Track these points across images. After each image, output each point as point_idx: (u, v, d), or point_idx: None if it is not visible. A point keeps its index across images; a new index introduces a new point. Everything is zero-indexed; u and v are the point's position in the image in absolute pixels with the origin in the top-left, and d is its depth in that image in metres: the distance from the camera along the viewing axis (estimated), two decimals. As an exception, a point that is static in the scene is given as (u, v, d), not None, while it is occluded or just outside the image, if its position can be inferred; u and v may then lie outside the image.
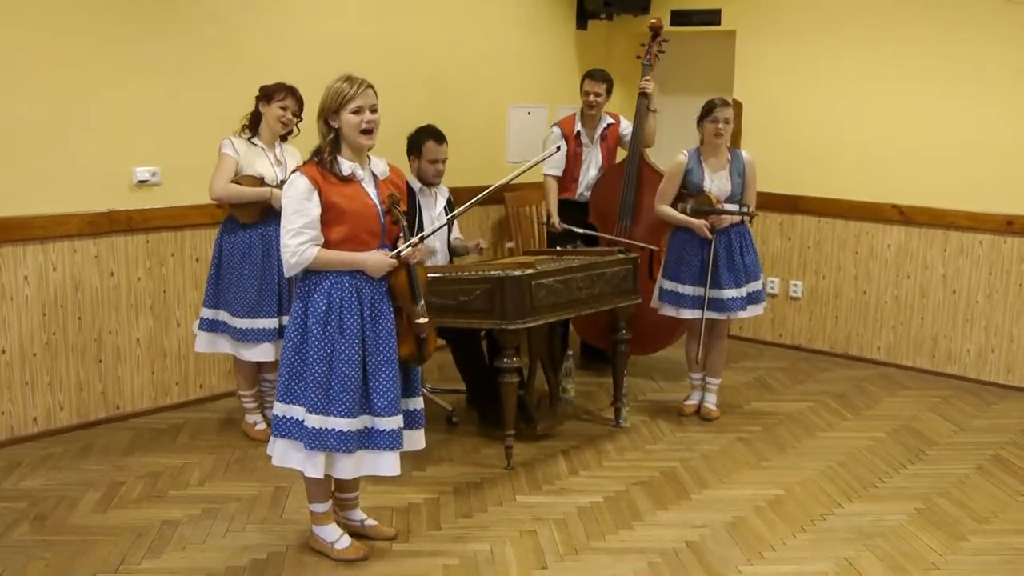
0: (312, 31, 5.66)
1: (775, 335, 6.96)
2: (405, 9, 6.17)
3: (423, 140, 5.15)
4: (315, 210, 3.39)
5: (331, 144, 3.45)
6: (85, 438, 4.93)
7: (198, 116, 5.19)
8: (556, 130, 6.13)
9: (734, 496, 4.40)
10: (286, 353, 3.51)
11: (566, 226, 5.85)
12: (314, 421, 3.45)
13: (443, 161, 5.18)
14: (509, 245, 5.18)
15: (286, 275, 3.51)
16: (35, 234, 4.75)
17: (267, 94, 4.68)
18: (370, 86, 3.46)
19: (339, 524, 3.84)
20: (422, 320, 3.56)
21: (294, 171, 3.46)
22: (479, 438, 5.04)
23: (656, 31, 6.05)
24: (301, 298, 3.50)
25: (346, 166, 3.47)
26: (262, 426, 4.96)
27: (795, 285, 6.79)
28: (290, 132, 4.77)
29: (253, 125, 4.72)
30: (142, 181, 5.06)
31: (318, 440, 3.46)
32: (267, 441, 4.80)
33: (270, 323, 4.69)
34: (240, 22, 5.35)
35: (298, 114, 4.71)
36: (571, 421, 5.32)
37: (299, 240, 3.39)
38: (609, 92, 6.04)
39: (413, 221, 5.05)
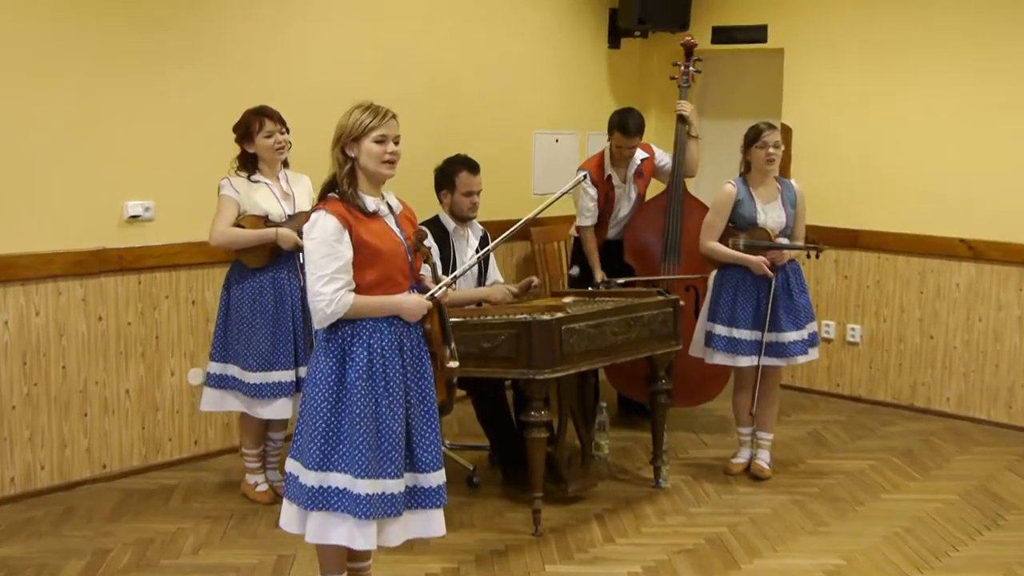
0: (318, 56, 5.72)
1: (831, 384, 6.91)
2: (417, 25, 6.22)
3: (456, 171, 5.17)
4: (348, 252, 3.40)
5: (348, 175, 3.48)
6: (68, 500, 4.92)
7: (195, 147, 5.24)
8: (583, 176, 6.09)
9: (789, 566, 4.35)
10: (316, 415, 3.46)
11: (609, 280, 5.82)
12: (365, 487, 3.42)
13: (478, 193, 5.22)
14: (534, 283, 5.18)
15: (317, 326, 3.48)
16: (17, 275, 4.78)
17: (244, 133, 4.69)
18: (394, 116, 3.50)
19: (351, 598, 3.84)
20: (453, 364, 3.59)
21: (316, 209, 3.46)
22: (503, 500, 5.01)
23: (689, 49, 6.10)
24: (332, 353, 3.47)
25: (370, 201, 3.50)
26: (264, 487, 4.94)
27: (853, 329, 6.76)
28: (287, 151, 4.79)
29: (247, 165, 4.74)
30: (134, 216, 5.10)
31: (372, 507, 3.42)
32: (269, 504, 4.81)
33: (286, 376, 4.69)
34: (240, 49, 5.41)
35: (284, 130, 4.73)
36: (605, 481, 5.28)
37: (335, 286, 3.38)
38: (641, 137, 6.02)
39: (448, 264, 5.09)
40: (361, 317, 3.45)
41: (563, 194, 4.34)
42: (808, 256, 5.16)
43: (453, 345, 3.62)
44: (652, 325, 4.93)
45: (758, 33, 7.02)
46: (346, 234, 3.40)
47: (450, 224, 5.21)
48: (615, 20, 7.31)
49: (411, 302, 3.50)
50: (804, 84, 6.84)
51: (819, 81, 6.78)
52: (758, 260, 5.07)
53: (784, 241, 5.14)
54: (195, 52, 5.25)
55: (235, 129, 4.71)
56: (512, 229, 4.04)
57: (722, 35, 7.15)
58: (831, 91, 6.73)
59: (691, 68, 6.08)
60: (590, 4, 7.26)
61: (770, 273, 5.07)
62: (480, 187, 5.22)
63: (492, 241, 5.29)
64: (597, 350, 4.67)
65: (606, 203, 6.08)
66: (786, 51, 6.92)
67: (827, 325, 6.83)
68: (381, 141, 3.44)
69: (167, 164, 5.18)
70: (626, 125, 5.92)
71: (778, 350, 5.14)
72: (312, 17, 5.71)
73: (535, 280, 5.22)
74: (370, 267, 3.44)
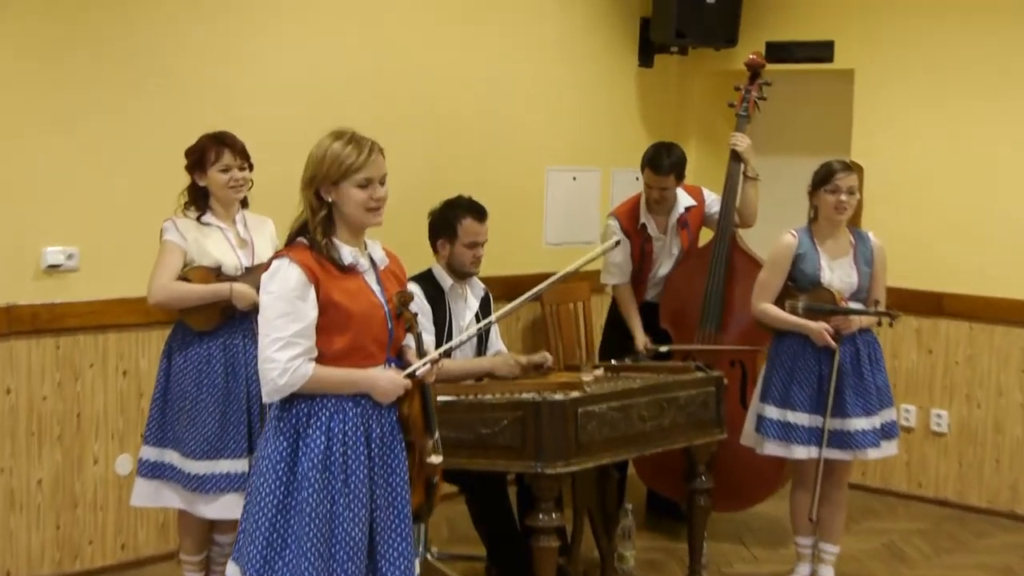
0: (285, 75, 5.75)
1: (911, 485, 6.87)
2: (404, 40, 6.25)
3: (459, 217, 5.17)
4: (311, 312, 3.39)
5: (323, 223, 3.47)
6: (-37, 617, 4.92)
7: (132, 181, 5.25)
8: (613, 223, 6.17)
9: None
10: (260, 510, 3.44)
11: (662, 348, 5.83)
12: None
13: (483, 244, 5.23)
14: (548, 363, 5.19)
15: (266, 399, 3.47)
16: (-97, 338, 4.82)
17: (197, 161, 4.69)
18: (380, 150, 3.50)
19: None
20: (436, 459, 3.58)
21: (278, 256, 3.46)
22: (503, 625, 4.98)
23: (755, 70, 6.13)
24: (284, 433, 3.45)
25: (346, 252, 3.49)
26: (207, 604, 4.93)
27: (938, 416, 6.75)
28: (246, 191, 4.82)
29: (198, 202, 4.74)
30: (53, 266, 5.09)
31: None
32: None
33: (236, 466, 4.64)
34: (193, 63, 5.43)
35: (245, 166, 4.74)
36: (630, 602, 5.30)
37: (291, 353, 3.36)
38: (680, 177, 6.06)
39: (443, 330, 5.09)
40: (322, 393, 3.44)
41: (590, 259, 4.37)
42: (879, 324, 5.17)
43: (438, 435, 3.60)
44: (690, 408, 4.91)
45: (823, 51, 7.07)
46: (312, 290, 3.39)
47: (446, 281, 5.20)
48: (647, 33, 7.35)
49: (385, 379, 3.48)
50: (879, 113, 6.87)
51: (897, 110, 6.81)
52: (819, 327, 5.06)
53: (856, 306, 5.16)
54: (135, 65, 5.25)
55: (187, 154, 4.71)
56: (521, 300, 4.07)
57: (779, 52, 7.15)
58: (912, 122, 6.76)
59: (754, 94, 6.11)
60: (617, 13, 7.33)
61: (833, 344, 5.04)
62: (486, 237, 5.22)
63: (494, 303, 5.32)
64: (622, 439, 4.64)
65: (642, 258, 6.11)
66: (857, 73, 6.94)
67: (906, 410, 6.80)
68: (366, 185, 3.44)
69: (96, 202, 5.17)
70: (658, 162, 5.96)
71: (843, 440, 5.11)
72: (277, 29, 5.74)
73: (548, 359, 5.20)
74: (338, 333, 3.43)
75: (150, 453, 4.74)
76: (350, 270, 3.48)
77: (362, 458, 3.44)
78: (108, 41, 5.19)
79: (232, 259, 4.70)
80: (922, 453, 6.82)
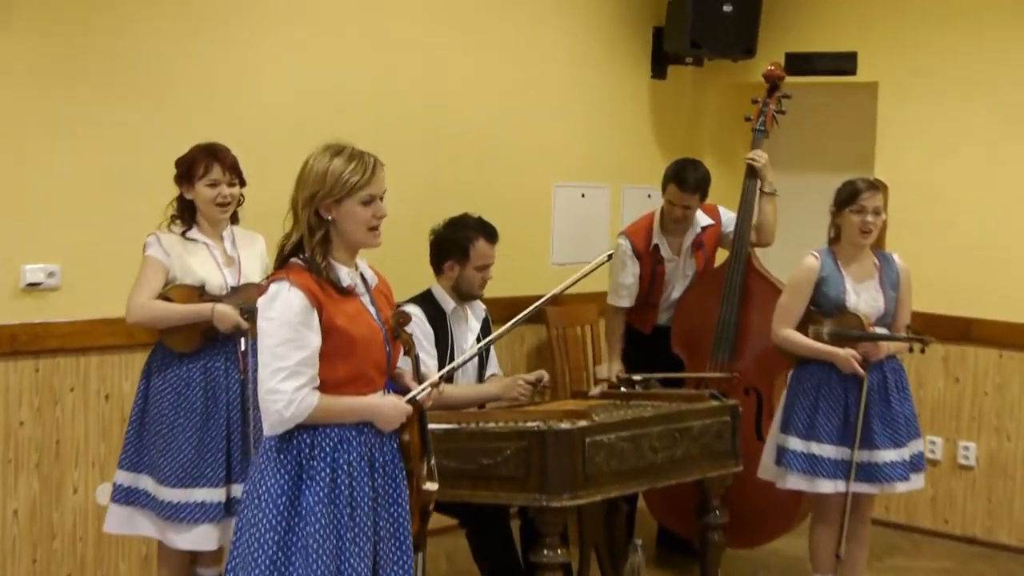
0: (280, 81, 5.73)
1: (937, 521, 6.82)
2: (402, 47, 6.22)
3: (470, 239, 5.17)
4: (315, 339, 3.37)
5: (321, 243, 3.45)
6: (-69, 655, 4.84)
7: (116, 195, 5.19)
8: (624, 243, 6.14)
9: None
10: (259, 548, 3.40)
11: (634, 377, 5.74)
12: None
13: (492, 266, 5.26)
14: (544, 380, 5.14)
15: (269, 432, 3.43)
16: None
17: (184, 172, 4.67)
18: (383, 166, 3.51)
19: None
20: (432, 486, 3.61)
21: (277, 279, 3.41)
22: (505, 667, 4.94)
23: (774, 82, 6.09)
24: (285, 466, 3.43)
25: (344, 273, 3.49)
26: (188, 643, 4.86)
27: (966, 448, 6.71)
28: (237, 207, 4.81)
29: (185, 215, 4.72)
30: (33, 284, 5.04)
31: None
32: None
33: (213, 495, 4.60)
34: (182, 71, 5.40)
35: (235, 181, 4.71)
36: (640, 644, 5.22)
37: (297, 383, 3.34)
38: (705, 196, 6.04)
39: (445, 353, 5.10)
40: (325, 423, 3.41)
41: (585, 274, 4.33)
42: (911, 350, 5.12)
43: (432, 461, 3.62)
44: (704, 439, 4.88)
45: (845, 62, 7.05)
46: (315, 316, 3.37)
47: (448, 303, 5.21)
48: (660, 43, 7.37)
49: (389, 406, 3.48)
50: (904, 129, 6.86)
51: (924, 125, 6.80)
52: (846, 354, 5.01)
53: (883, 331, 5.10)
54: (123, 77, 5.21)
55: (177, 164, 4.70)
56: (526, 312, 4.06)
57: (799, 64, 7.16)
58: (940, 139, 6.75)
59: (772, 108, 6.08)
60: (628, 22, 7.34)
61: (861, 372, 5.00)
62: (495, 259, 5.24)
63: (493, 324, 5.26)
64: (632, 470, 4.62)
65: (653, 281, 6.08)
66: (881, 86, 6.92)
67: (932, 442, 6.77)
68: (369, 202, 3.44)
69: (78, 217, 5.12)
70: (684, 178, 5.91)
71: (870, 473, 5.07)
72: (273, 40, 5.71)
73: (545, 376, 5.21)
74: (342, 359, 3.41)
75: (124, 478, 4.71)
76: (349, 292, 3.47)
77: (367, 489, 3.45)
78: (92, 52, 5.15)
79: (217, 278, 4.67)
80: (949, 488, 6.79)
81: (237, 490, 4.53)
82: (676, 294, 6.12)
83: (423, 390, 3.57)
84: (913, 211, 6.74)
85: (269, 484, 3.41)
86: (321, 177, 3.41)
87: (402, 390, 3.59)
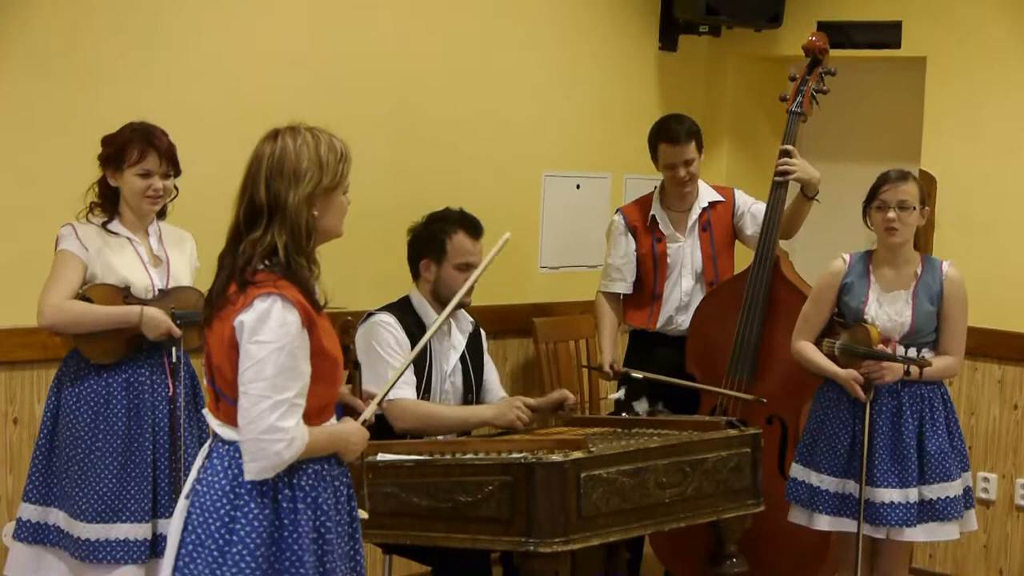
0: (223, 57, 5.61)
1: (990, 571, 6.73)
2: (372, 19, 6.11)
3: (449, 232, 5.19)
4: (307, 366, 3.38)
5: (310, 248, 3.47)
6: None
7: (26, 184, 5.09)
8: (618, 220, 6.16)
9: None
10: None
11: (635, 373, 5.74)
12: None
13: (477, 266, 5.14)
14: (569, 401, 5.16)
15: (256, 477, 3.34)
16: None
17: (112, 155, 4.58)
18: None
19: None
20: (363, 515, 3.68)
21: (260, 293, 3.31)
22: None
23: (816, 56, 5.90)
24: (263, 511, 3.38)
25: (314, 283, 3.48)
26: None
27: (1024, 487, 6.62)
28: (164, 202, 4.72)
29: (107, 204, 4.65)
30: (-73, 289, 4.86)
31: None
32: None
33: (137, 531, 4.56)
34: (104, 41, 5.29)
35: (170, 173, 4.63)
36: None
37: (295, 419, 3.31)
38: (701, 147, 6.00)
39: (423, 373, 5.12)
40: (303, 459, 3.41)
41: (490, 260, 4.29)
42: (907, 373, 5.02)
43: (366, 489, 3.69)
44: (719, 474, 4.84)
45: (888, 33, 6.97)
46: (307, 338, 3.36)
47: (428, 312, 5.17)
48: (670, 10, 7.28)
49: (357, 434, 3.56)
50: (956, 112, 6.75)
51: (979, 108, 6.67)
52: (848, 375, 5.04)
53: (901, 349, 5.07)
54: (32, 46, 5.10)
55: (104, 143, 4.62)
56: (448, 307, 4.16)
57: (834, 35, 6.85)
58: (997, 124, 6.63)
59: (811, 86, 5.86)
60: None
61: (861, 395, 5.01)
62: (481, 258, 5.17)
63: (484, 336, 5.28)
64: (635, 510, 4.58)
65: (655, 263, 6.03)
66: (929, 61, 6.80)
67: (985, 480, 6.73)
68: (346, 191, 3.49)
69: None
70: (671, 129, 5.89)
71: (869, 512, 5.06)
72: (216, 8, 5.65)
73: (570, 397, 5.18)
74: (324, 384, 3.44)
75: (31, 512, 4.64)
76: (322, 307, 3.45)
77: (344, 527, 3.54)
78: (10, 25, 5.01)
79: (142, 278, 4.63)
80: (1004, 532, 6.70)
81: (164, 525, 4.45)
82: (685, 284, 6.07)
83: (369, 413, 3.62)
84: (964, 209, 6.64)
85: (243, 535, 3.38)
86: (321, 166, 3.42)
87: (349, 411, 3.67)
